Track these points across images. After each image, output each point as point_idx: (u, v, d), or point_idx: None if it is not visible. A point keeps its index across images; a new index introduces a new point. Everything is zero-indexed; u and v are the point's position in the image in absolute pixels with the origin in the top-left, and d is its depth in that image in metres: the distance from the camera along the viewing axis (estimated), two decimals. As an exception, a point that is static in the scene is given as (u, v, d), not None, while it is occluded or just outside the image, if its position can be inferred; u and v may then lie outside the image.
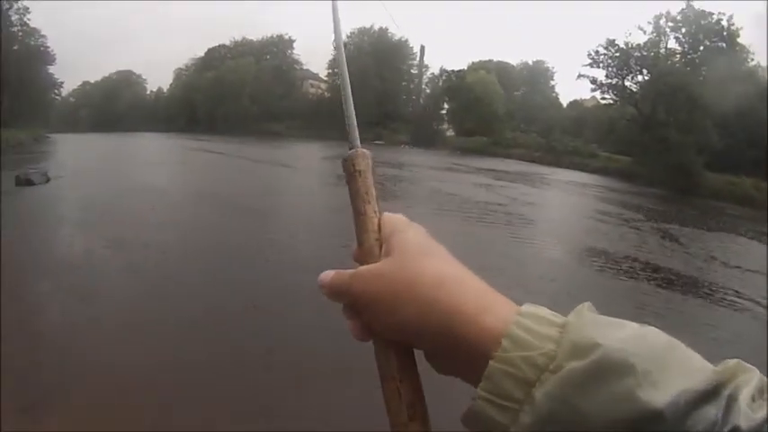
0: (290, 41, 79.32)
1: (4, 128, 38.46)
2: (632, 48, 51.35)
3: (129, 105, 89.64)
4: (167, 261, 10.71)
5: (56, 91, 66.24)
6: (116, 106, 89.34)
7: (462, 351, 0.58)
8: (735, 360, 0.54)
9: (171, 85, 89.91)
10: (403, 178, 27.08)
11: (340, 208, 19.07)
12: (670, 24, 50.50)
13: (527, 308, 0.59)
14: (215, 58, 79.85)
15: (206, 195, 18.76)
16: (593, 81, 53.01)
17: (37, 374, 5.72)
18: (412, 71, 74.13)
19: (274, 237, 13.26)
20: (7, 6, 51.39)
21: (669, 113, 44.84)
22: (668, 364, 0.51)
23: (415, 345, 0.64)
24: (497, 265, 12.37)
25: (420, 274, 0.63)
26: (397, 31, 72.35)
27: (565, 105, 71.92)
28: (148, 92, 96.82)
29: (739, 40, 47.91)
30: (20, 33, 54.35)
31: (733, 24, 47.53)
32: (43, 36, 58.26)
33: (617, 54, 51.79)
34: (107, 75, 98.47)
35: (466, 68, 68.50)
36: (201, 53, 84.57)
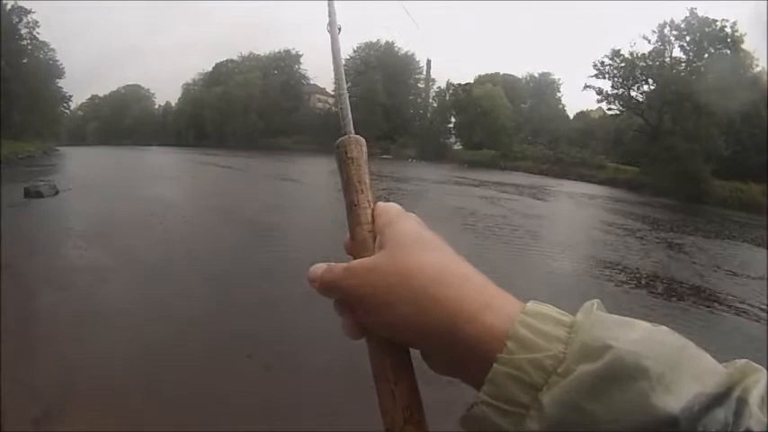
0: (298, 56, 79.68)
1: (13, 140, 38.74)
2: (637, 57, 51.60)
3: (138, 119, 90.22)
4: (174, 275, 10.70)
5: (65, 104, 66.98)
6: (124, 120, 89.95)
7: (462, 351, 0.55)
8: (743, 360, 0.51)
9: (179, 99, 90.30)
10: (408, 192, 27.14)
11: (345, 221, 19.05)
12: (674, 33, 50.51)
13: (532, 306, 0.56)
14: (222, 72, 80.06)
15: (214, 210, 18.80)
16: (600, 92, 53.37)
17: (39, 386, 5.74)
18: (419, 85, 74.46)
19: (281, 251, 13.19)
20: (17, 20, 51.84)
21: (676, 122, 45.06)
22: (681, 365, 0.49)
23: (410, 344, 0.60)
24: (501, 276, 12.29)
25: (417, 267, 0.59)
26: (403, 46, 72.71)
27: (571, 117, 72.10)
28: (156, 106, 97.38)
29: (743, 46, 47.81)
30: (29, 47, 54.85)
31: (737, 31, 47.53)
32: (52, 50, 58.78)
33: (622, 64, 52.02)
34: (115, 89, 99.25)
35: (472, 82, 68.64)
36: (209, 68, 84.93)
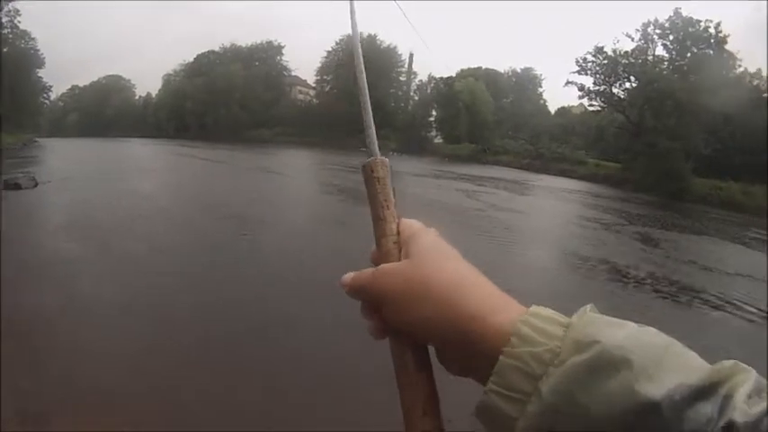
0: (280, 48, 79.33)
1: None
2: (620, 55, 51.67)
3: (118, 111, 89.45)
4: (153, 267, 10.57)
5: (45, 95, 66.04)
6: (105, 111, 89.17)
7: (473, 347, 0.62)
8: (732, 361, 0.57)
9: (159, 90, 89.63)
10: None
11: (325, 214, 19.62)
12: (658, 32, 50.71)
13: (534, 309, 0.63)
14: (204, 64, 79.44)
15: (193, 202, 18.68)
16: (581, 88, 53.51)
17: (22, 381, 5.66)
18: (400, 78, 74.39)
19: (261, 243, 13.29)
20: (-4, 8, 51.17)
21: (657, 120, 45.08)
22: (665, 361, 0.55)
23: (429, 341, 0.68)
24: (479, 268, 12.38)
25: (439, 274, 0.67)
26: (386, 38, 72.63)
27: (553, 112, 72.45)
28: (137, 97, 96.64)
29: (727, 47, 48.13)
30: (10, 36, 54.11)
31: (721, 31, 47.75)
32: (33, 39, 58.17)
33: (605, 61, 52.11)
34: (96, 79, 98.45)
35: (454, 76, 68.65)
36: (191, 59, 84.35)
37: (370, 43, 70.75)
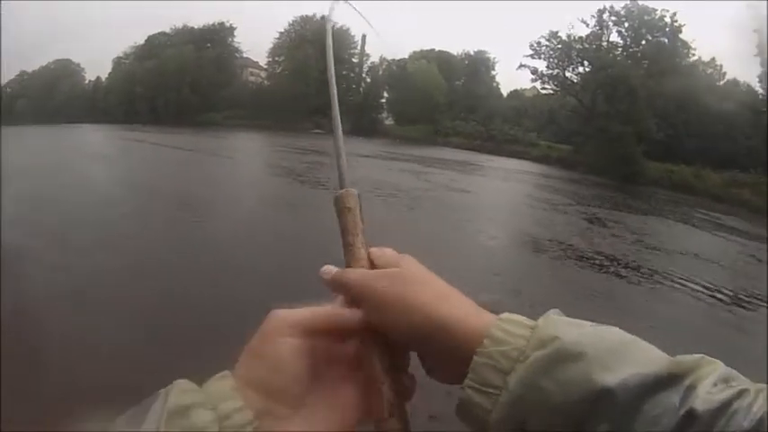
0: (232, 29, 77.86)
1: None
2: (574, 40, 51.79)
3: (68, 96, 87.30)
4: (102, 256, 10.25)
5: (-9, 82, 64.21)
6: (54, 97, 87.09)
7: (453, 349, 0.71)
8: (699, 355, 0.64)
9: (110, 74, 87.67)
10: (327, 165, 26.58)
11: (274, 197, 19.13)
12: (613, 18, 50.82)
13: (505, 315, 0.73)
14: (155, 45, 77.77)
15: (144, 189, 18.03)
16: (534, 71, 53.46)
17: None
18: (353, 60, 73.10)
19: (210, 227, 13.24)
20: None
21: (610, 104, 45.32)
22: (622, 354, 0.63)
23: (413, 346, 0.77)
24: (427, 247, 12.31)
25: (427, 286, 0.78)
26: (339, 20, 71.79)
27: (505, 95, 72.11)
28: (87, 81, 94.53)
29: (681, 36, 48.50)
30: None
31: (676, 21, 48.07)
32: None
33: (559, 46, 52.19)
34: (45, 64, 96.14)
35: (407, 58, 68.27)
36: (142, 41, 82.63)
37: (323, 25, 69.80)
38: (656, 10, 48.86)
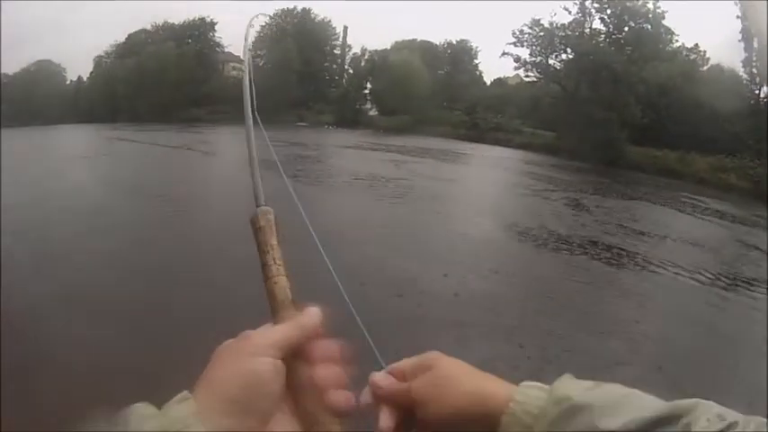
0: (212, 24, 77.29)
1: None
2: (557, 27, 51.47)
3: (49, 97, 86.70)
4: (87, 259, 10.23)
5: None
6: (35, 98, 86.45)
7: (488, 418, 0.82)
8: (694, 399, 0.73)
9: (91, 73, 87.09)
10: (312, 158, 26.60)
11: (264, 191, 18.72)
12: (595, 5, 50.63)
13: (526, 383, 0.85)
14: (136, 43, 77.19)
15: (127, 189, 17.78)
16: (517, 59, 53.03)
17: None
18: (335, 51, 73.04)
19: (191, 223, 13.44)
20: None
21: (593, 90, 45.30)
22: (623, 404, 0.75)
23: (458, 428, 0.85)
24: (410, 236, 13.03)
25: (459, 372, 0.89)
26: (319, 12, 71.68)
27: (488, 83, 72.03)
28: (68, 81, 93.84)
29: (664, 22, 48.46)
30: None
31: (659, 8, 47.97)
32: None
33: (541, 33, 51.86)
34: (25, 66, 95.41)
35: (389, 48, 68.20)
36: (122, 39, 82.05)
37: (305, 17, 69.76)
38: (639, -3, 48.85)
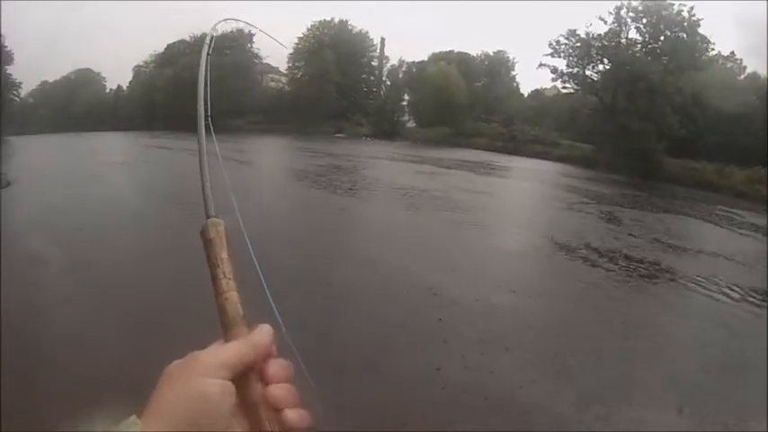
0: (250, 35, 78.08)
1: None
2: (593, 38, 51.23)
3: (89, 104, 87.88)
4: (124, 264, 10.62)
5: (14, 92, 64.72)
6: (75, 106, 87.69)
7: None
8: None
9: (130, 82, 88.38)
10: (345, 168, 26.96)
11: (296, 200, 19.39)
12: (631, 15, 50.40)
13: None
14: (174, 54, 78.23)
15: (164, 194, 18.58)
16: (554, 71, 52.93)
17: None
18: (372, 63, 73.63)
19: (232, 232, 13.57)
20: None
21: (630, 101, 45.07)
22: None
23: None
24: (442, 248, 13.10)
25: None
26: (357, 24, 72.15)
27: (526, 95, 71.62)
28: (108, 90, 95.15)
29: (700, 30, 48.15)
30: (-25, 34, 52.90)
31: (694, 15, 47.65)
32: (0, 36, 57.00)
33: (578, 44, 51.69)
34: (66, 74, 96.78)
35: (426, 60, 68.23)
36: (161, 49, 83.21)
37: (342, 29, 70.31)
38: (674, 5, 48.26)
